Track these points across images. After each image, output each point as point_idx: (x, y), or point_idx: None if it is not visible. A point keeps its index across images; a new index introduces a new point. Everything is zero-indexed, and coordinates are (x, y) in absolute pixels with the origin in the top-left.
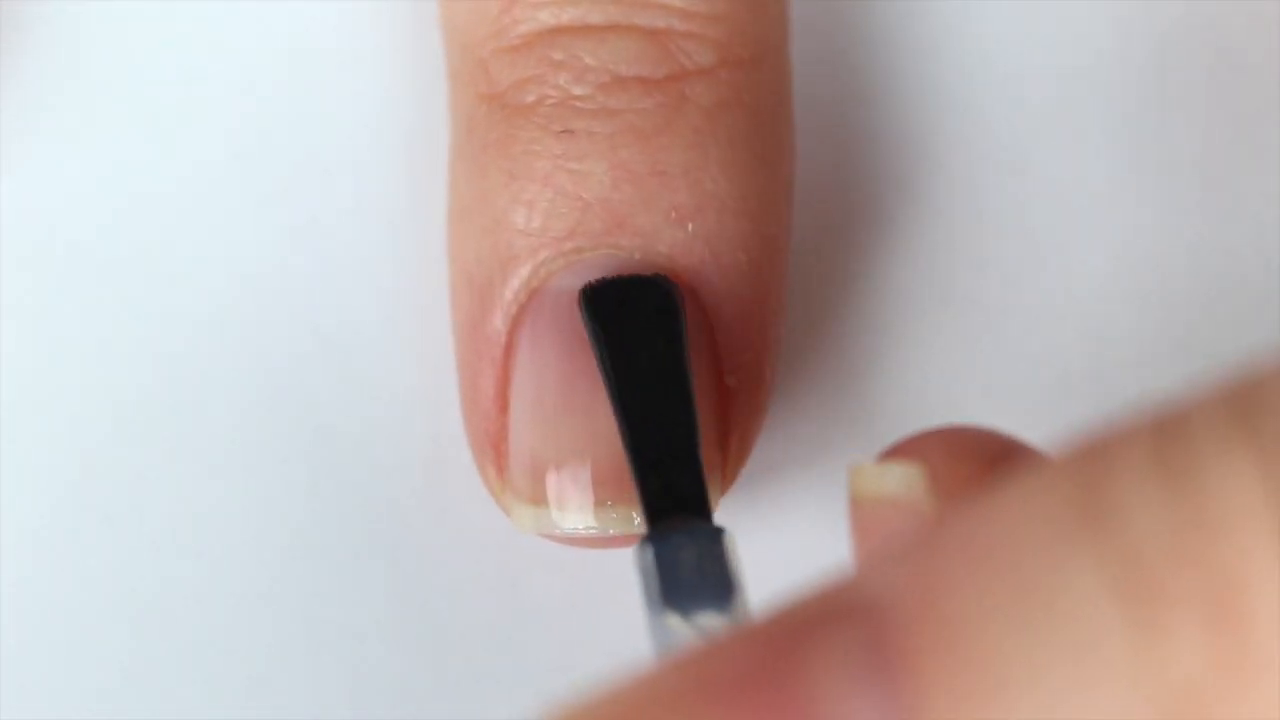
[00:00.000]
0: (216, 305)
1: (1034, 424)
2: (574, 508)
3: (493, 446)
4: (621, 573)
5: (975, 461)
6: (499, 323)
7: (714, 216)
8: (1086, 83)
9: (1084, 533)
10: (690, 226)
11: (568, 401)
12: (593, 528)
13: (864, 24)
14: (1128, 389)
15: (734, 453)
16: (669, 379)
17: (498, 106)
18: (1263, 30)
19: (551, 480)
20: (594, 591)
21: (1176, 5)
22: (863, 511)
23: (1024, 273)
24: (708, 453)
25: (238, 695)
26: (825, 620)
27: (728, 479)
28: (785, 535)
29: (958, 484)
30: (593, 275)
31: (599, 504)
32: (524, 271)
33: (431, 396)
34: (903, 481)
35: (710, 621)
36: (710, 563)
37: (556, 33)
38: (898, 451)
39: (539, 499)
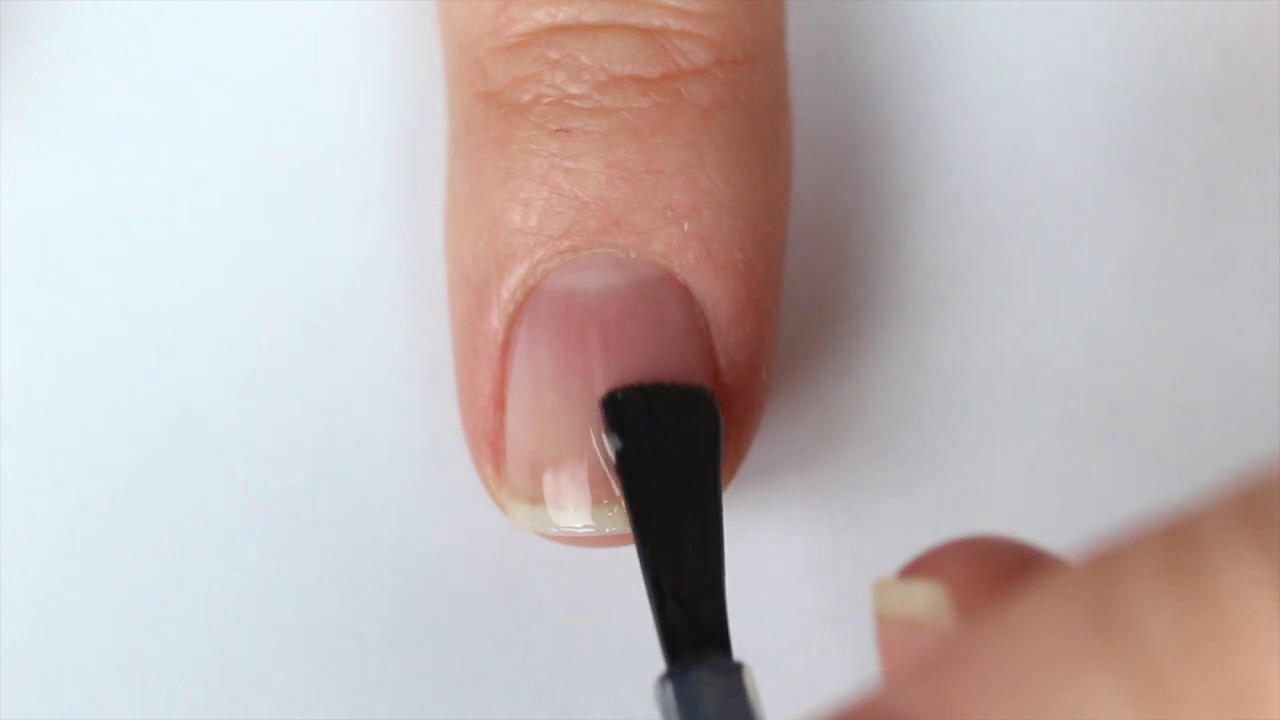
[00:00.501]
0: (215, 305)
1: (1033, 424)
2: (571, 506)
3: (489, 445)
4: (620, 573)
5: (998, 575)
6: (496, 321)
7: (710, 215)
8: (1086, 83)
9: (1099, 645)
10: (686, 225)
11: (565, 400)
12: (589, 527)
13: (863, 24)
14: (1126, 389)
15: (731, 451)
16: (699, 504)
17: (494, 105)
18: (1263, 30)
19: (548, 479)
20: (593, 591)
21: (1176, 5)
22: (888, 629)
23: (1022, 273)
24: None
25: (237, 694)
26: None
27: (725, 478)
28: (780, 534)
29: (982, 599)
30: (589, 273)
31: (596, 503)
32: (521, 270)
33: (430, 395)
34: (926, 601)
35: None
36: (731, 700)
37: (553, 31)
38: (920, 568)
39: (536, 497)
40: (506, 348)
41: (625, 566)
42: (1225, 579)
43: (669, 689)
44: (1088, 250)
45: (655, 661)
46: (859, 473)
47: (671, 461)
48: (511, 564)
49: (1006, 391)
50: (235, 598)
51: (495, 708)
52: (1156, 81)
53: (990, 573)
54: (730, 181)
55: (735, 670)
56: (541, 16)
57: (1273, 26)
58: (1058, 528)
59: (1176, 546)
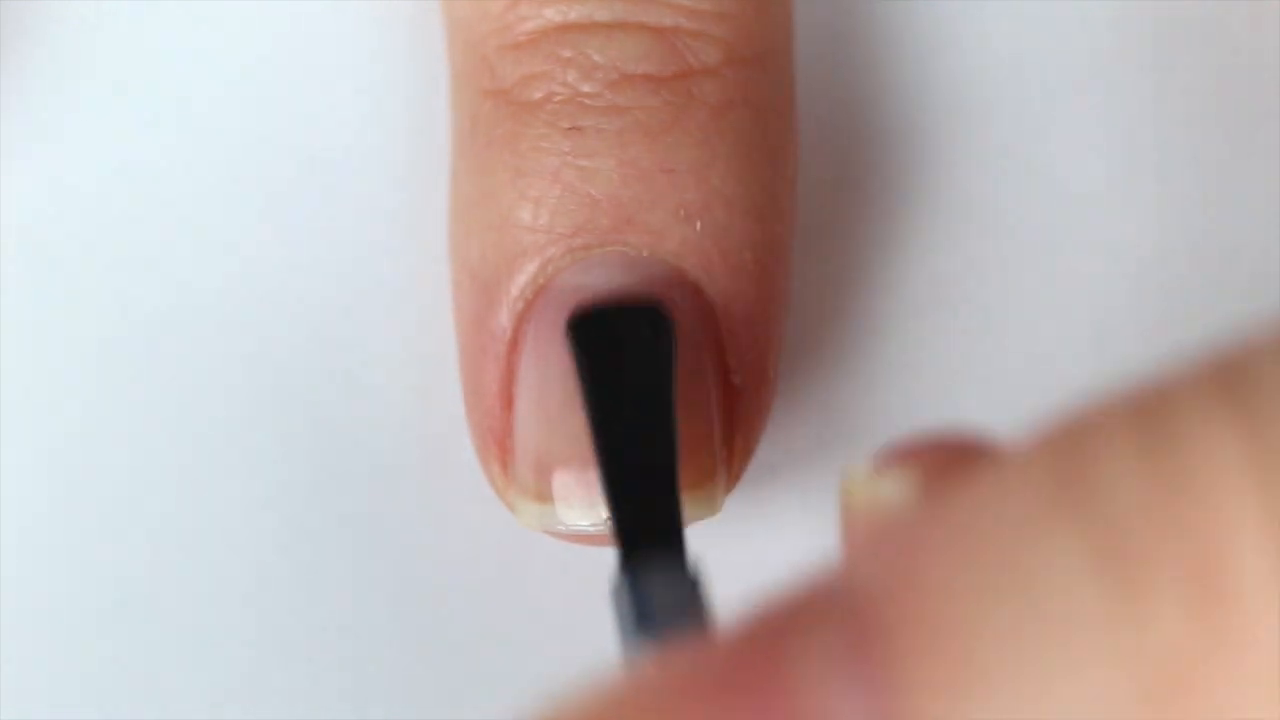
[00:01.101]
0: (215, 303)
1: (1034, 424)
2: (580, 505)
3: (497, 443)
4: None
5: (969, 465)
6: (505, 319)
7: (722, 215)
8: (1087, 83)
9: (1062, 509)
10: (699, 225)
11: (574, 398)
12: (599, 525)
13: (863, 24)
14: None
15: (739, 451)
16: (651, 407)
17: (503, 103)
18: (1263, 30)
19: (557, 477)
20: (594, 590)
21: (1176, 5)
22: (855, 519)
23: (1024, 274)
24: (714, 451)
25: (237, 694)
26: (806, 618)
27: (733, 478)
28: (783, 535)
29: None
30: (601, 272)
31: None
32: (531, 268)
33: (430, 394)
34: (896, 488)
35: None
36: (683, 598)
37: (564, 29)
38: (890, 458)
39: (544, 496)
40: (514, 345)
41: None
42: (1194, 444)
43: (623, 586)
44: (1089, 251)
45: None
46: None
47: (627, 378)
48: (512, 563)
49: (1008, 392)
50: (234, 597)
51: (495, 708)
52: (1156, 81)
53: (964, 463)
54: (741, 181)
55: (688, 569)
56: (552, 14)
57: (1273, 26)
58: None
59: (1146, 413)
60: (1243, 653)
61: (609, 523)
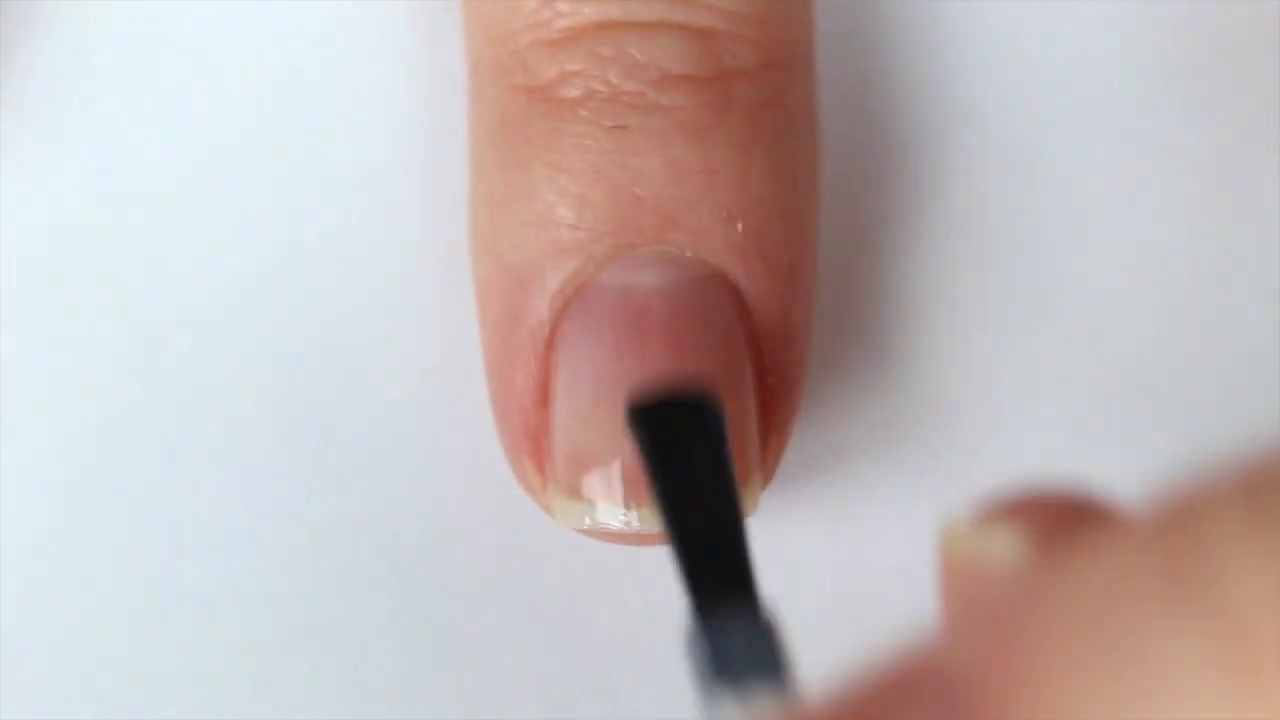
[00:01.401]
0: (220, 307)
1: (1036, 424)
2: (624, 503)
3: (531, 441)
4: (624, 573)
5: (1081, 529)
6: (544, 314)
7: (761, 216)
8: (1087, 83)
9: (1181, 599)
10: (739, 226)
11: (617, 395)
12: (637, 524)
13: (866, 27)
14: (1128, 389)
15: (772, 452)
16: (717, 490)
17: (538, 99)
18: (1263, 30)
19: (600, 475)
20: (597, 590)
21: (1176, 5)
22: (956, 576)
23: (1025, 274)
24: (751, 452)
25: (237, 694)
26: (904, 696)
27: (766, 479)
28: (782, 535)
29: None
30: (643, 271)
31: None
32: (573, 264)
33: (432, 394)
34: (1006, 546)
35: (764, 701)
36: (761, 646)
37: (604, 27)
38: (998, 510)
39: (586, 494)
40: (551, 343)
41: (628, 566)
42: None
43: (701, 637)
44: (1090, 251)
45: (659, 661)
46: (862, 473)
47: (688, 460)
48: (514, 563)
49: (1009, 392)
50: (235, 597)
51: (497, 707)
52: (1156, 81)
53: (1076, 524)
54: (779, 182)
55: (766, 619)
56: (591, 12)
57: (1273, 26)
58: None
59: (1260, 497)
60: None
61: (680, 576)
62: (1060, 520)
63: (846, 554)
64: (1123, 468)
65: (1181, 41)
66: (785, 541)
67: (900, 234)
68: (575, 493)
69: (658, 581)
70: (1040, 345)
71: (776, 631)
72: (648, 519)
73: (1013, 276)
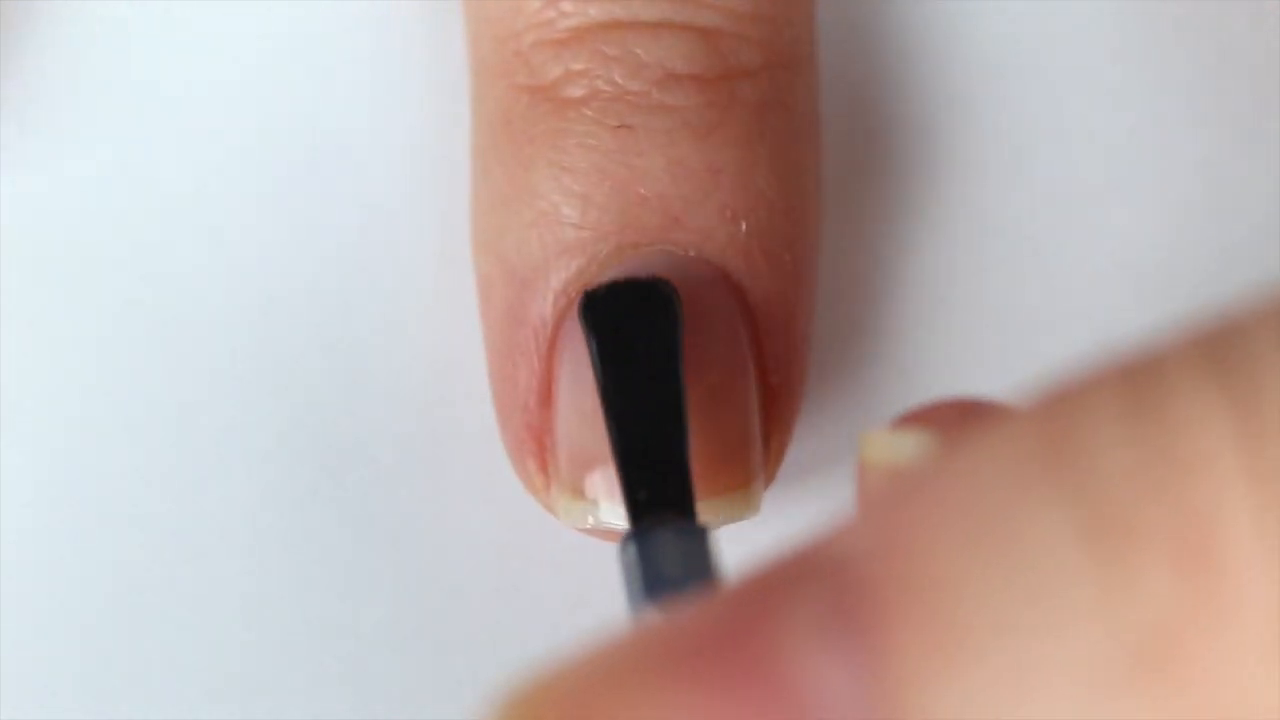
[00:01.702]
0: (218, 307)
1: None
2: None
3: (534, 441)
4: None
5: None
6: (547, 314)
7: (765, 216)
8: (1087, 83)
9: (1049, 475)
10: (743, 225)
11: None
12: None
13: (864, 26)
14: None
15: (775, 450)
16: (660, 380)
17: (541, 99)
18: (1263, 30)
19: (601, 475)
20: (595, 592)
21: (1176, 5)
22: (871, 480)
23: (1024, 274)
24: (754, 452)
25: (236, 694)
26: (794, 583)
27: (769, 477)
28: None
29: None
30: (646, 270)
31: None
32: (578, 264)
33: (430, 393)
34: (916, 449)
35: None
36: (693, 559)
37: (608, 27)
38: (911, 419)
39: (588, 494)
40: (554, 343)
41: None
42: (1182, 413)
43: (632, 548)
44: (1089, 251)
45: None
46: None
47: (638, 351)
48: (516, 563)
49: (1009, 392)
50: (235, 597)
51: None
52: (1156, 81)
53: (983, 422)
54: (782, 182)
55: (698, 531)
56: (596, 12)
57: (1273, 26)
58: None
59: (1134, 381)
60: (1231, 617)
61: (622, 493)
62: (966, 422)
63: None
64: None
65: (1181, 41)
66: (787, 541)
67: (900, 234)
68: (578, 492)
69: None
70: (1040, 345)
71: (709, 544)
72: None
73: (1010, 277)
